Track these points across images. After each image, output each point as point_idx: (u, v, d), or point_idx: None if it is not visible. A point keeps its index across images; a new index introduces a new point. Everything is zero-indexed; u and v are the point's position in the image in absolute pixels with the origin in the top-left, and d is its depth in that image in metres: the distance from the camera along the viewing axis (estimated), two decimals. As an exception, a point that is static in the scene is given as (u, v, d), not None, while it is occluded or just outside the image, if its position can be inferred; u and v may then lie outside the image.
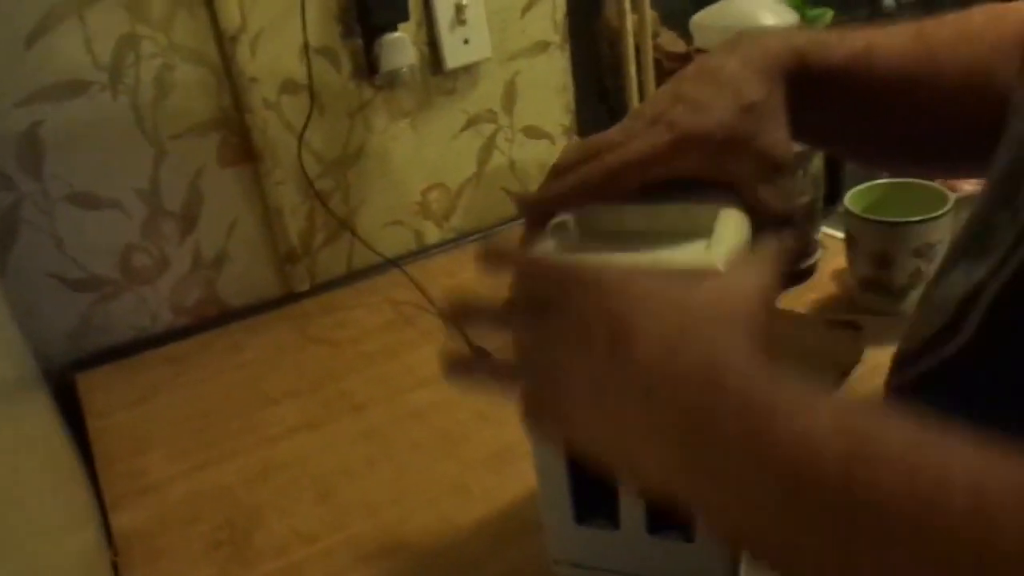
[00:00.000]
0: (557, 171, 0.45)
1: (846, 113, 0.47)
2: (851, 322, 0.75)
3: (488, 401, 0.75)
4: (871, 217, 0.76)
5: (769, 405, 0.29)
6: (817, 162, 0.81)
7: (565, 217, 0.44)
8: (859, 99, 0.46)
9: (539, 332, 0.37)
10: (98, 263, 0.86)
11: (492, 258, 0.42)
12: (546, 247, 0.43)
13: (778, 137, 0.44)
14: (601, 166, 0.43)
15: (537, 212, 0.45)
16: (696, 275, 0.37)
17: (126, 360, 0.89)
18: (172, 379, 0.85)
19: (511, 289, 0.40)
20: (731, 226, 0.42)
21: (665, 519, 0.45)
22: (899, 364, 0.43)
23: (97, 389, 0.85)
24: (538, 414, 0.39)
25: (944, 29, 0.48)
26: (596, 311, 0.35)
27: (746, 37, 0.47)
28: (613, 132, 0.44)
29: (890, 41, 0.47)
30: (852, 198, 0.79)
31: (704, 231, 0.42)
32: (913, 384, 0.39)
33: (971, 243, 0.38)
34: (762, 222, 0.43)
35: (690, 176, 0.44)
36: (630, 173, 0.43)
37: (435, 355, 0.84)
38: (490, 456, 0.69)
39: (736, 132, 0.42)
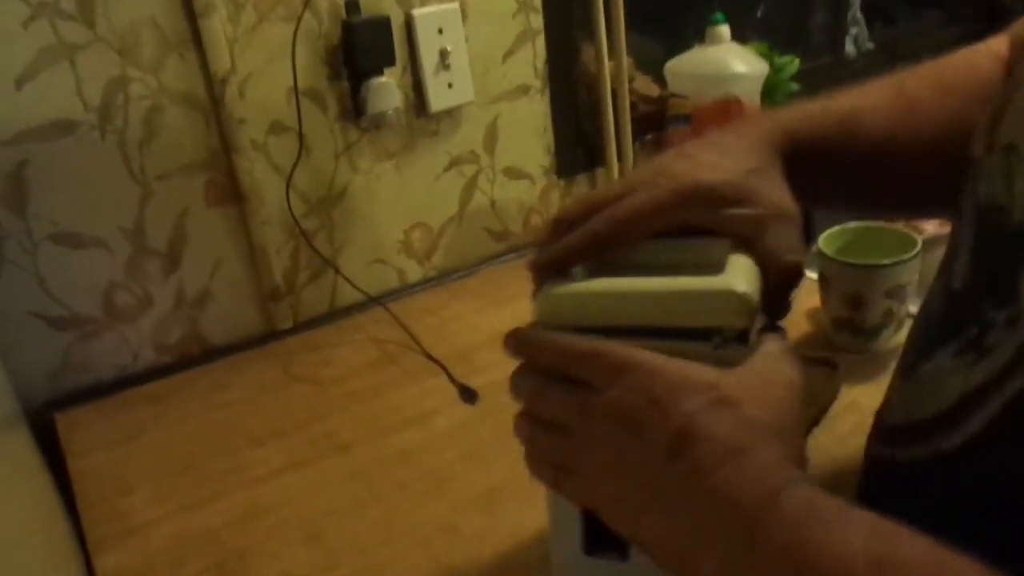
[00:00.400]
0: (560, 224, 0.45)
1: (837, 176, 0.50)
2: (827, 360, 0.77)
3: (475, 441, 0.77)
4: (844, 260, 0.79)
5: (815, 527, 0.32)
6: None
7: (575, 270, 0.44)
8: (847, 162, 0.49)
9: (586, 408, 0.38)
10: (80, 301, 0.86)
11: (522, 347, 0.43)
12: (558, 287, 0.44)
13: (781, 194, 0.45)
14: (609, 218, 0.43)
15: (548, 270, 0.45)
16: (744, 369, 0.39)
17: (107, 399, 0.88)
18: (154, 418, 0.85)
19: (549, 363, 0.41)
20: (743, 263, 0.42)
21: None
22: (887, 437, 0.43)
23: (77, 428, 0.84)
24: (561, 480, 0.41)
25: (923, 84, 0.50)
26: (656, 403, 0.36)
27: (741, 121, 0.49)
28: (616, 186, 0.45)
29: (873, 103, 0.49)
30: (825, 240, 0.82)
31: (717, 266, 0.42)
32: (907, 466, 0.40)
33: (957, 328, 0.39)
34: (771, 274, 0.44)
35: (694, 228, 0.44)
36: (637, 224, 0.43)
37: (420, 394, 0.86)
38: (478, 496, 0.70)
39: (741, 188, 0.44)
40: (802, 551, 0.32)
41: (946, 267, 0.44)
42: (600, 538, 0.45)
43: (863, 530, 0.32)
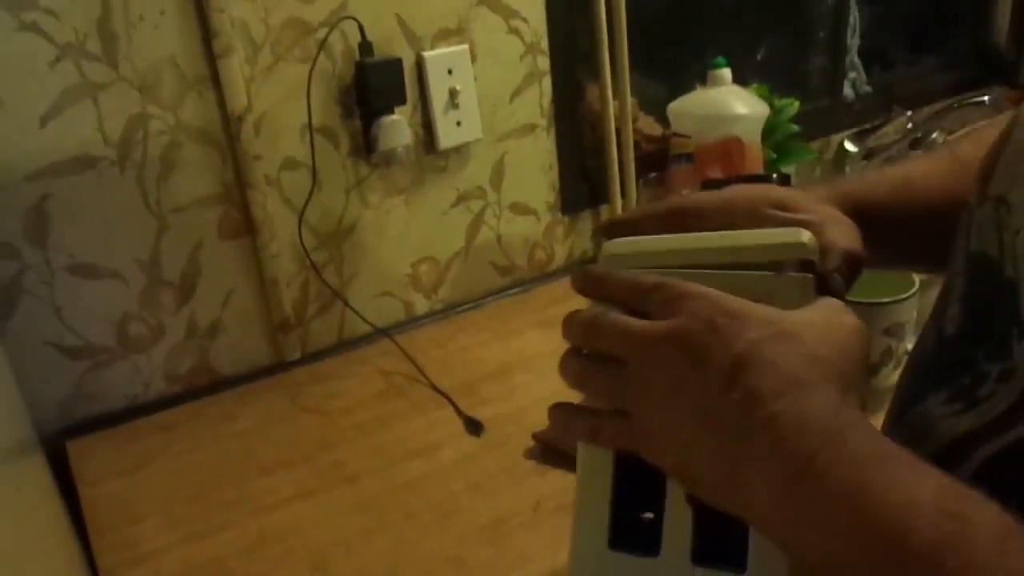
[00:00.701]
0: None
1: (896, 236, 0.51)
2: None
3: (481, 472, 0.78)
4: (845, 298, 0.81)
5: (880, 468, 0.32)
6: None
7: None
8: (906, 223, 0.50)
9: (646, 334, 0.37)
10: (95, 331, 0.88)
11: (586, 280, 0.42)
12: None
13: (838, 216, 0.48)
14: (675, 203, 0.47)
15: (613, 232, 0.47)
16: (808, 309, 0.38)
17: (118, 428, 0.89)
18: (164, 447, 0.86)
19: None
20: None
21: (712, 548, 0.41)
22: None
23: (88, 457, 0.85)
24: (603, 425, 0.40)
25: (974, 145, 0.51)
26: (718, 329, 0.35)
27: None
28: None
29: (927, 167, 0.52)
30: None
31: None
32: None
33: (949, 375, 0.40)
34: (829, 263, 0.44)
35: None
36: (700, 213, 0.46)
37: (426, 426, 0.87)
38: (484, 527, 0.71)
39: (804, 200, 0.47)
40: (864, 491, 0.31)
41: (939, 311, 0.45)
42: (629, 533, 0.43)
43: (933, 482, 0.31)
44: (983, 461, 0.35)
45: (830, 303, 0.39)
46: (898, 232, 0.51)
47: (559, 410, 0.42)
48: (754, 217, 0.46)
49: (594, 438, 0.40)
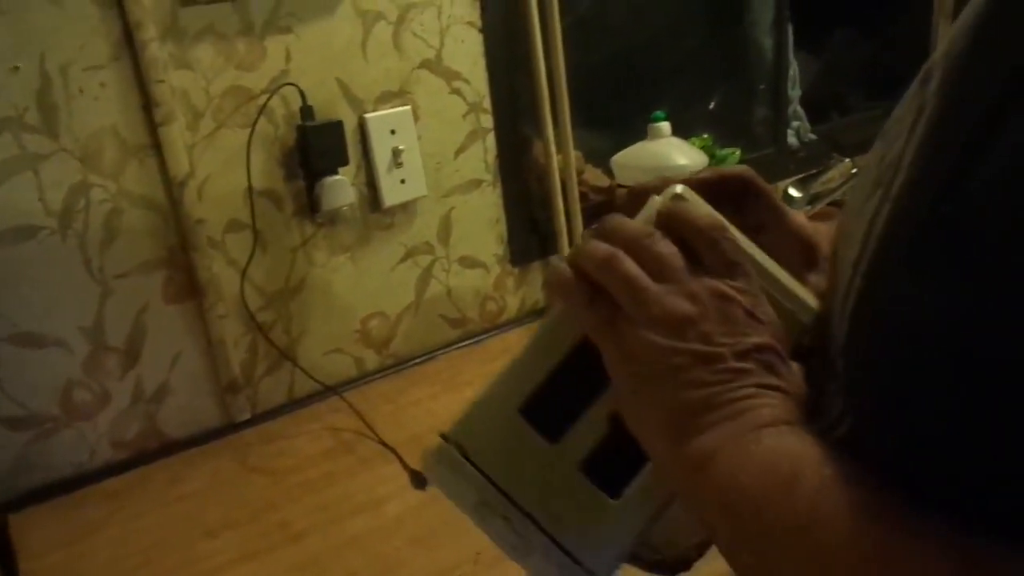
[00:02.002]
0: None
1: None
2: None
3: (424, 526, 0.78)
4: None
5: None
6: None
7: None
8: None
9: (693, 274, 0.40)
10: (38, 401, 0.87)
11: (675, 217, 0.42)
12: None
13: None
14: (744, 169, 0.49)
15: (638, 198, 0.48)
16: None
17: (63, 498, 0.88)
18: (110, 515, 0.85)
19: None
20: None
21: (603, 467, 0.41)
22: None
23: (31, 529, 0.84)
24: (608, 311, 0.40)
25: None
26: (752, 316, 0.39)
27: None
28: None
29: None
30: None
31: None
32: None
33: (809, 404, 0.43)
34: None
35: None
36: (758, 190, 0.48)
37: (373, 481, 0.87)
38: (426, 581, 0.71)
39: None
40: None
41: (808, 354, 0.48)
42: (540, 409, 0.41)
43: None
44: None
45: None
46: None
47: (564, 270, 0.42)
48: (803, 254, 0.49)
49: (588, 305, 0.41)
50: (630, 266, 0.40)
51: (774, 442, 0.37)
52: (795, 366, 0.44)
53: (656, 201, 0.43)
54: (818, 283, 0.49)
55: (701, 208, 0.43)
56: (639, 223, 0.42)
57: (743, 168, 0.50)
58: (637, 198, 0.47)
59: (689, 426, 0.38)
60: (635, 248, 0.41)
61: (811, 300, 0.44)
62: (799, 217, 0.50)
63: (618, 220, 0.43)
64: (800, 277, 0.47)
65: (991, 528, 0.31)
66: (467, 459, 0.41)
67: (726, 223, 0.41)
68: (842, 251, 0.41)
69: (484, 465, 0.41)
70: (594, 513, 0.41)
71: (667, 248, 0.41)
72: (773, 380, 0.39)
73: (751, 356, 0.39)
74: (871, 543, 0.32)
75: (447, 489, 0.41)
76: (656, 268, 0.40)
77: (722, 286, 0.40)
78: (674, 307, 0.39)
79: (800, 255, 0.49)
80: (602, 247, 0.41)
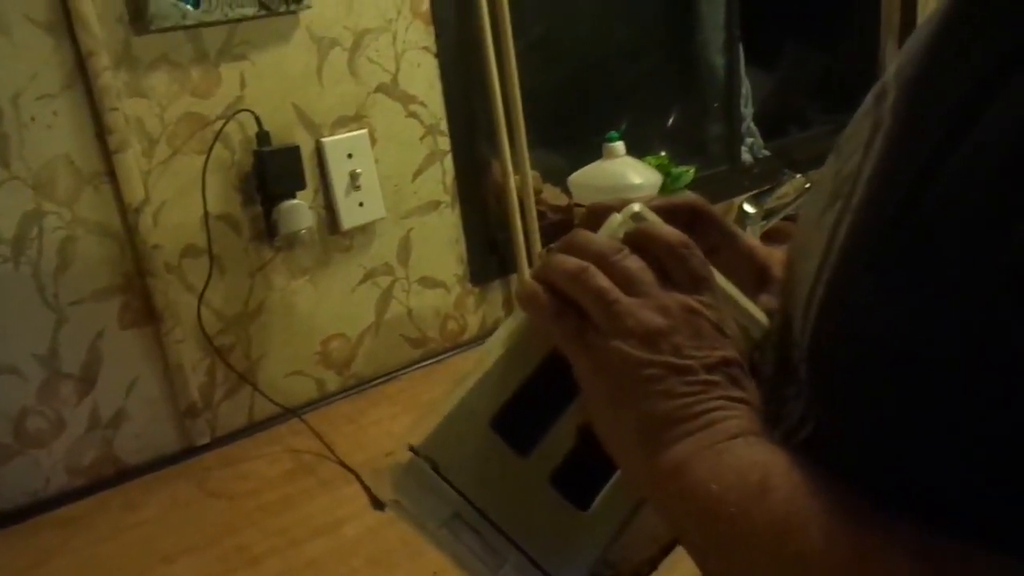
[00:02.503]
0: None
1: None
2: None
3: (381, 547, 0.79)
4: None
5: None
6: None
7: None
8: None
9: (663, 287, 0.41)
10: (-8, 429, 0.87)
11: (641, 236, 0.44)
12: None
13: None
14: (693, 197, 0.51)
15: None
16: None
17: (17, 526, 0.88)
18: (65, 542, 0.85)
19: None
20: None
21: (572, 480, 0.42)
22: None
23: (-17, 559, 0.83)
24: (582, 328, 0.41)
25: None
26: (719, 331, 0.41)
27: None
28: None
29: None
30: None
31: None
32: None
33: (768, 410, 0.44)
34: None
35: None
36: (708, 217, 0.51)
37: (332, 503, 0.88)
38: (382, 602, 0.72)
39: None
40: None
41: (761, 361, 0.50)
42: (510, 423, 0.42)
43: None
44: None
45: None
46: None
47: (533, 284, 0.42)
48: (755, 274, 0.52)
49: (556, 319, 0.41)
50: (601, 279, 0.41)
51: (744, 451, 0.38)
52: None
53: (616, 218, 0.44)
54: (768, 303, 0.51)
55: (662, 225, 0.44)
56: (602, 237, 0.43)
57: (692, 196, 0.52)
58: (596, 216, 0.49)
59: (662, 437, 0.39)
60: (605, 263, 0.42)
61: (762, 318, 0.46)
62: (751, 240, 0.53)
63: (585, 235, 0.44)
64: (753, 297, 0.50)
65: (954, 528, 0.32)
66: (438, 473, 0.40)
67: (690, 240, 0.43)
68: (800, 263, 0.43)
69: (456, 479, 0.40)
70: (565, 525, 0.41)
71: (636, 263, 0.42)
72: (738, 393, 0.40)
73: (719, 369, 0.40)
74: (846, 547, 0.33)
75: (417, 505, 0.40)
76: (626, 282, 0.41)
77: (691, 301, 0.41)
78: (646, 319, 0.40)
79: (752, 276, 0.52)
80: (572, 261, 0.42)
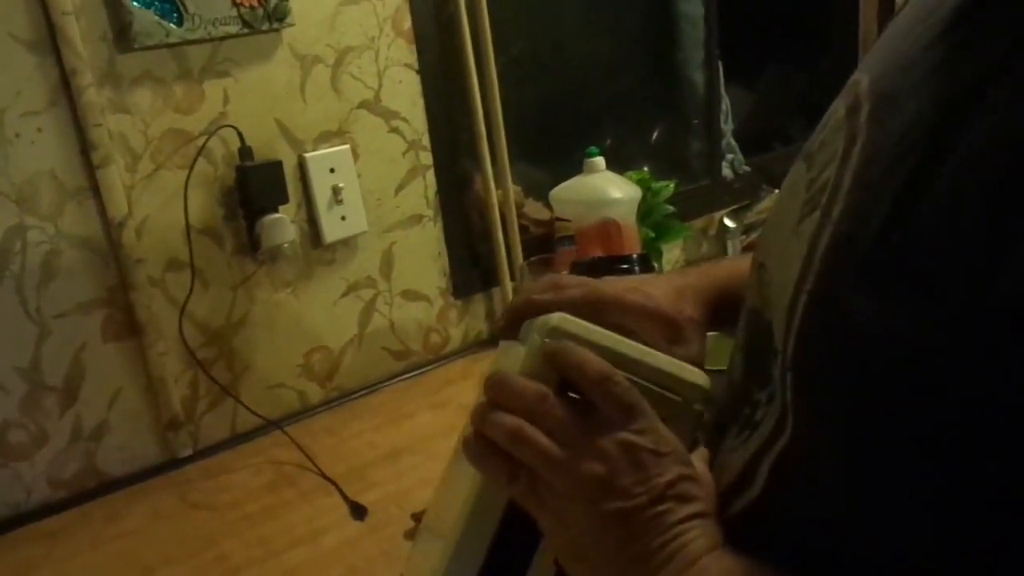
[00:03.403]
0: (525, 296, 0.54)
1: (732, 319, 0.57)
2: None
3: (360, 556, 0.79)
4: (712, 368, 0.86)
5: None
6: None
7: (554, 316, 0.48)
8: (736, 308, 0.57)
9: (598, 428, 0.43)
10: (-27, 441, 0.87)
11: (561, 357, 0.45)
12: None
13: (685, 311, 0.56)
14: (589, 289, 0.53)
15: (516, 317, 0.52)
16: (699, 462, 0.45)
17: (-2, 539, 0.88)
18: (45, 556, 0.85)
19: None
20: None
21: None
22: None
23: (-36, 572, 0.84)
24: (534, 488, 0.44)
25: None
26: (659, 455, 0.42)
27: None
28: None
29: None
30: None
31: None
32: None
33: (737, 413, 0.46)
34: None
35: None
36: (609, 304, 0.53)
37: (312, 513, 0.89)
38: (359, 610, 0.73)
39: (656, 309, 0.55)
40: None
41: (730, 364, 0.51)
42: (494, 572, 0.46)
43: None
44: (769, 471, 0.41)
45: (704, 455, 0.48)
46: (733, 316, 0.58)
47: (481, 444, 0.45)
48: (660, 338, 0.53)
49: (509, 481, 0.44)
50: (538, 439, 0.43)
51: (715, 567, 0.41)
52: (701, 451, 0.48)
53: (535, 340, 0.46)
54: (687, 352, 0.54)
55: (583, 331, 0.46)
56: (529, 384, 0.44)
57: (583, 290, 0.54)
58: (519, 315, 0.51)
59: None
60: (534, 415, 0.44)
61: (700, 379, 0.48)
62: (656, 300, 0.55)
63: (509, 385, 0.45)
64: (671, 351, 0.52)
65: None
66: None
67: (612, 369, 0.44)
68: (777, 271, 0.44)
69: None
70: None
71: (563, 411, 0.44)
72: (690, 508, 0.42)
73: (667, 496, 0.42)
74: None
75: None
76: (559, 432, 0.43)
77: (626, 436, 0.43)
78: (587, 472, 0.42)
79: (664, 333, 0.54)
80: (507, 421, 0.44)
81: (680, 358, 0.52)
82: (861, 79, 0.42)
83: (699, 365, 0.53)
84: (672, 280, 0.58)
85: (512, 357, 0.47)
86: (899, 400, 0.33)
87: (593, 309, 0.52)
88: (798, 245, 0.40)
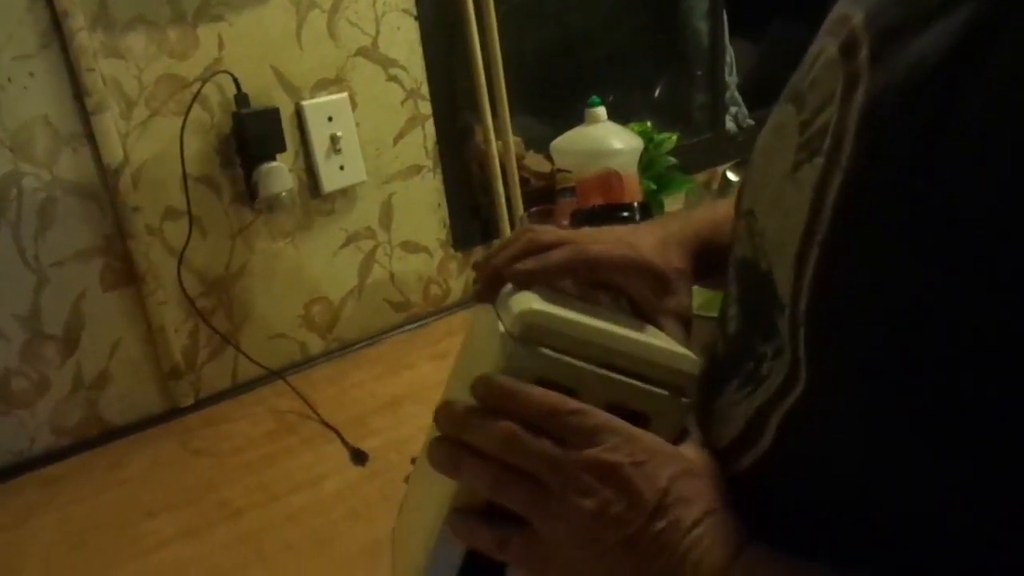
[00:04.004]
0: (509, 248, 0.51)
1: (717, 266, 0.55)
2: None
3: (361, 500, 0.80)
4: (703, 314, 0.86)
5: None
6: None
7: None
8: (720, 255, 0.54)
9: (572, 462, 0.39)
10: (-25, 389, 0.88)
11: (493, 394, 0.41)
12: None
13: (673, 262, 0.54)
14: (572, 251, 0.50)
15: (493, 281, 0.49)
16: (693, 451, 0.43)
17: (1, 485, 0.89)
18: (49, 500, 0.86)
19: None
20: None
21: None
22: None
23: (-32, 516, 0.84)
24: (510, 540, 0.42)
25: None
26: (641, 465, 0.39)
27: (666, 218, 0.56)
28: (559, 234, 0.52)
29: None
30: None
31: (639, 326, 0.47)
32: None
33: (739, 366, 0.45)
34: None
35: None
36: (594, 264, 0.51)
37: (314, 460, 0.89)
38: (361, 552, 0.73)
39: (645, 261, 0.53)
40: None
41: (722, 316, 0.50)
42: None
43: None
44: (777, 427, 0.40)
45: (698, 443, 0.45)
46: (718, 263, 0.55)
47: (464, 518, 0.42)
48: (643, 288, 0.52)
49: (501, 551, 0.42)
50: (521, 494, 0.40)
51: None
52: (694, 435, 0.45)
53: (508, 345, 0.41)
54: (678, 304, 0.52)
55: (558, 325, 0.41)
56: (494, 426, 0.40)
57: (570, 254, 0.51)
58: (495, 280, 0.49)
59: None
60: (511, 453, 0.40)
61: (688, 364, 0.44)
62: (643, 253, 0.52)
63: (480, 428, 0.41)
64: (661, 303, 0.51)
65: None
66: None
67: (560, 400, 0.40)
68: (773, 218, 0.42)
69: None
70: None
71: (540, 447, 0.40)
72: (695, 511, 0.39)
73: (665, 506, 0.39)
74: None
75: None
76: (544, 469, 0.40)
77: (602, 458, 0.39)
78: (578, 511, 0.39)
79: (653, 286, 0.52)
80: (489, 469, 0.40)
81: (671, 310, 0.52)
82: (852, 14, 0.40)
83: (689, 318, 0.53)
84: (654, 231, 0.56)
85: (489, 338, 0.43)
86: (924, 352, 0.31)
87: (578, 272, 0.51)
88: (797, 193, 0.38)
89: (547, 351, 0.41)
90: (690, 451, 0.43)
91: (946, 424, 0.32)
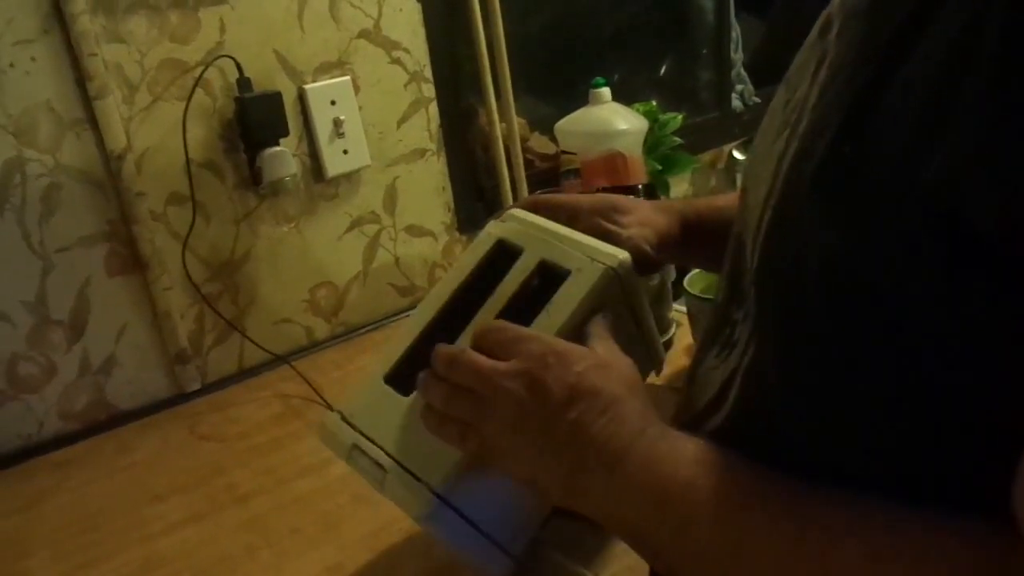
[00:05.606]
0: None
1: (709, 241, 0.62)
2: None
3: (366, 485, 0.80)
4: (706, 296, 0.86)
5: (670, 450, 0.43)
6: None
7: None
8: (715, 233, 0.60)
9: (495, 371, 0.47)
10: (-17, 374, 0.88)
11: (444, 359, 0.50)
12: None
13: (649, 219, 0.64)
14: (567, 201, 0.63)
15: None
16: (603, 343, 0.51)
17: (11, 469, 0.90)
18: (57, 484, 0.87)
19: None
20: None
21: None
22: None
23: (-22, 501, 0.85)
24: (468, 436, 0.49)
25: None
26: (551, 367, 0.46)
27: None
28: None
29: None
30: (690, 280, 0.89)
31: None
32: None
33: (718, 334, 0.48)
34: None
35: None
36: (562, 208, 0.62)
37: (320, 444, 0.89)
38: (367, 535, 0.74)
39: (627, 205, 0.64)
40: (660, 466, 0.42)
41: (716, 293, 0.52)
42: (401, 379, 0.56)
43: (688, 458, 0.42)
44: (738, 387, 0.43)
45: (614, 347, 0.51)
46: (710, 238, 0.62)
47: (440, 391, 0.50)
48: (597, 216, 0.61)
49: (461, 442, 0.49)
50: (463, 405, 0.48)
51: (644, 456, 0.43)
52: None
53: (487, 228, 0.61)
54: (631, 222, 0.61)
55: (527, 217, 0.59)
56: (441, 355, 0.51)
57: (596, 197, 0.64)
58: (526, 206, 0.63)
59: (576, 483, 0.45)
60: (453, 373, 0.49)
61: (620, 253, 0.55)
62: (643, 205, 0.64)
63: (435, 356, 0.51)
64: (617, 222, 0.61)
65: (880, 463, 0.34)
66: (345, 421, 0.57)
67: (488, 323, 0.52)
68: (752, 192, 0.45)
69: (355, 421, 0.57)
70: (427, 437, 0.51)
71: (470, 359, 0.49)
72: (599, 401, 0.45)
73: (572, 400, 0.45)
74: (733, 531, 0.38)
75: (329, 444, 0.58)
76: (476, 383, 0.48)
77: (516, 367, 0.46)
78: (504, 409, 0.46)
79: (609, 208, 0.62)
80: (440, 389, 0.50)
81: (632, 236, 0.61)
82: None
83: (649, 246, 0.61)
84: (653, 202, 0.67)
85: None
86: (846, 311, 0.34)
87: (601, 210, 0.61)
88: (768, 165, 0.41)
89: (511, 224, 0.59)
90: (600, 346, 0.50)
91: (881, 382, 0.34)
